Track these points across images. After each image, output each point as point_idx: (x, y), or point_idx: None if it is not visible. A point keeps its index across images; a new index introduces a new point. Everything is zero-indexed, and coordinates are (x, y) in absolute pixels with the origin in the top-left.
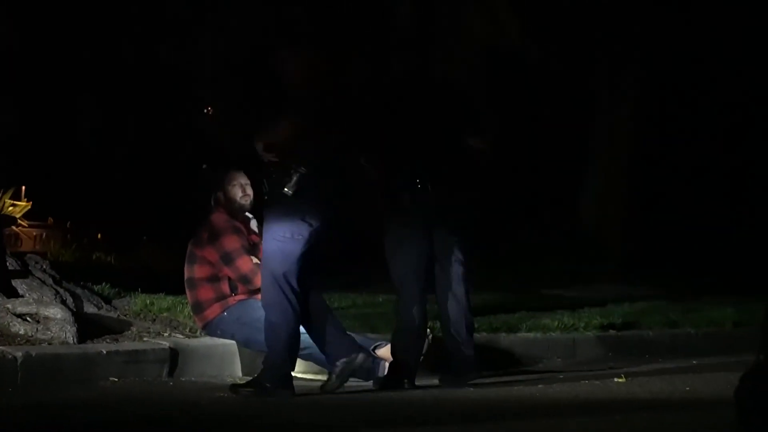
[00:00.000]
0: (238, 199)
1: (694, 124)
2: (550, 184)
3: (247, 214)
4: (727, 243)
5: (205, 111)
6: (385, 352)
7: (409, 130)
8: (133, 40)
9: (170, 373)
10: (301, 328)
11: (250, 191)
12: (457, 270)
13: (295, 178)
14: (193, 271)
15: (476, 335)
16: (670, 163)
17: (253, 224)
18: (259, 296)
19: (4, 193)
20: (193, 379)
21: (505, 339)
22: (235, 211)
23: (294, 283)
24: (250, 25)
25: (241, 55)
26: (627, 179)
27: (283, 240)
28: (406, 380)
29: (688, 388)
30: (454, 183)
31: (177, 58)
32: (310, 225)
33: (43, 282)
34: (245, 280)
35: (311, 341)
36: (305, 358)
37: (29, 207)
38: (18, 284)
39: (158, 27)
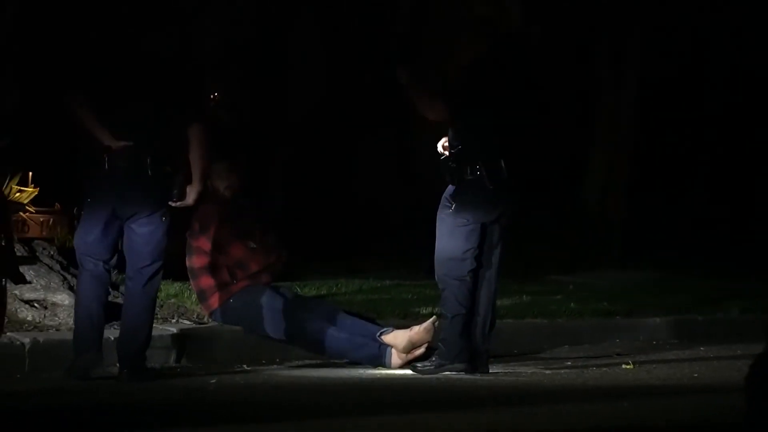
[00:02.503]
0: (221, 190)
1: (698, 106)
2: (552, 168)
3: (241, 200)
4: (732, 226)
5: (212, 97)
6: (391, 338)
7: (488, 112)
8: (137, 24)
9: (178, 359)
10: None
11: (234, 181)
12: (498, 262)
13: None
14: (192, 261)
15: None
16: (674, 146)
17: (249, 208)
18: (264, 281)
19: (10, 179)
20: (200, 364)
21: (511, 325)
22: (222, 200)
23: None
24: (252, 9)
25: (243, 40)
26: (630, 162)
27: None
28: (464, 363)
29: (695, 375)
30: (523, 172)
31: (181, 43)
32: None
33: (51, 268)
34: (240, 265)
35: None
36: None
37: (36, 193)
38: (25, 270)
39: (163, 11)
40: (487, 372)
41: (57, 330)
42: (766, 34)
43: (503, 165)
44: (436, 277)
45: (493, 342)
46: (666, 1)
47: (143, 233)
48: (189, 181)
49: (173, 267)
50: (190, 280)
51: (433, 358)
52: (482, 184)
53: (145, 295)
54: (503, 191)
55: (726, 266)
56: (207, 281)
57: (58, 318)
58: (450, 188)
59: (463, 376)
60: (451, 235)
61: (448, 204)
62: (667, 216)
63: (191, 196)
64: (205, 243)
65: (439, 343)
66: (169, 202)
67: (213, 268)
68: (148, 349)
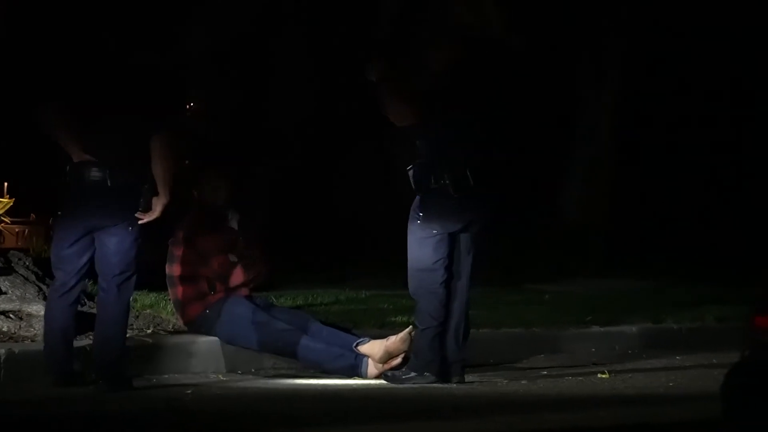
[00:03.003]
0: (208, 201)
1: (679, 113)
2: (533, 175)
3: (229, 212)
4: (712, 233)
5: (187, 107)
6: (368, 348)
7: (454, 120)
8: (115, 33)
9: (154, 370)
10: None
11: (222, 192)
12: (469, 272)
13: None
14: (172, 269)
15: None
16: (655, 155)
17: (233, 220)
18: (241, 292)
19: None
20: (176, 375)
21: (488, 335)
22: (210, 210)
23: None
24: (235, 17)
25: (225, 48)
26: (611, 171)
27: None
28: (433, 375)
29: (671, 384)
30: (492, 180)
31: (161, 52)
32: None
33: (26, 279)
34: (220, 278)
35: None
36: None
37: (11, 203)
38: (1, 281)
39: (141, 22)
40: (464, 381)
41: (33, 341)
42: (744, 47)
43: (469, 173)
44: (409, 289)
45: (468, 351)
46: (646, 14)
47: (111, 243)
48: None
49: (149, 277)
50: (168, 288)
51: (404, 368)
52: (447, 193)
53: (118, 305)
54: (469, 200)
55: (704, 275)
56: (185, 291)
57: (34, 329)
58: (417, 198)
59: (439, 385)
60: (420, 246)
61: (416, 215)
62: (648, 225)
63: (157, 208)
64: (187, 252)
65: (412, 354)
66: (136, 215)
67: (192, 278)
68: (124, 359)
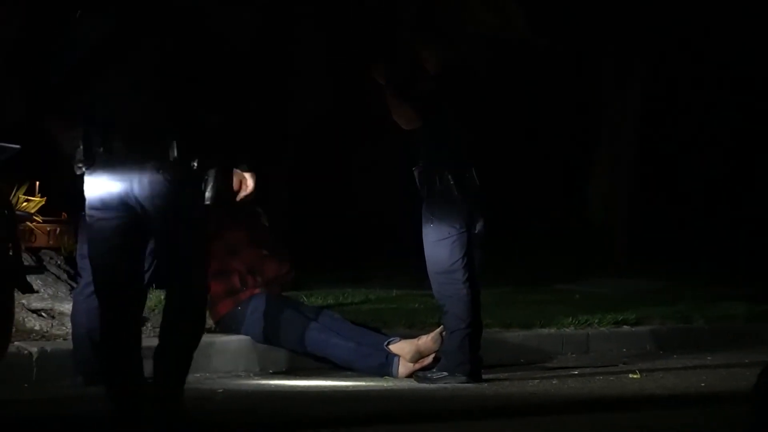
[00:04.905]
0: (236, 196)
1: (702, 116)
2: (557, 176)
3: (257, 208)
4: (735, 235)
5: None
6: (398, 347)
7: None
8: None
9: None
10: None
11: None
12: (478, 265)
13: None
14: None
15: (489, 330)
16: (678, 155)
17: (264, 217)
18: (273, 290)
19: (17, 189)
20: (207, 374)
21: (518, 334)
22: (237, 206)
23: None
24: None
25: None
26: (634, 171)
27: None
28: (465, 376)
29: (703, 384)
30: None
31: None
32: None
33: (58, 277)
34: (252, 271)
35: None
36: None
37: (43, 202)
38: (33, 280)
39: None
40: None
41: (64, 339)
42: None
43: (475, 173)
44: (433, 292)
45: (497, 351)
46: (670, 18)
47: None
48: None
49: None
50: None
51: (435, 368)
52: (451, 194)
53: None
54: (471, 200)
55: (730, 273)
56: (216, 287)
57: (66, 327)
58: (426, 201)
59: (469, 386)
60: (435, 248)
61: (428, 218)
62: (670, 224)
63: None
64: (217, 248)
65: (442, 355)
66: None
67: (223, 274)
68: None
